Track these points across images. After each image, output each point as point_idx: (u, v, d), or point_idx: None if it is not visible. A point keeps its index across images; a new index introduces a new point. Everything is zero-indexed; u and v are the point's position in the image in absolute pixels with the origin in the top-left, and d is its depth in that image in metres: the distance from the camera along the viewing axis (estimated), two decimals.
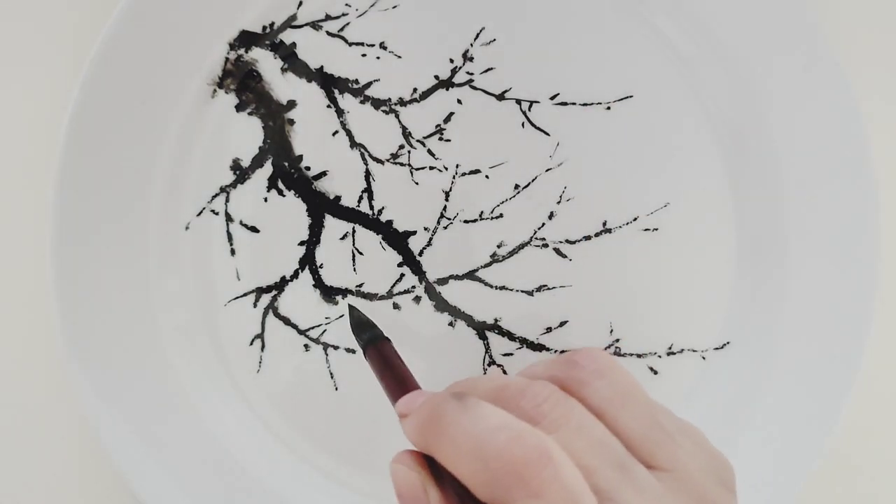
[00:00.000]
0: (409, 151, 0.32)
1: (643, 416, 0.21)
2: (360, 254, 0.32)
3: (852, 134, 0.30)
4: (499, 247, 0.32)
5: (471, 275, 0.32)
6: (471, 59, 0.31)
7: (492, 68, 0.31)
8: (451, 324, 0.32)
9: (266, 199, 0.32)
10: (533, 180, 0.32)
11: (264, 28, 0.31)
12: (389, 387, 0.25)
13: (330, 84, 0.31)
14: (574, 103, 0.31)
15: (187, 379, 0.32)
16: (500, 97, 0.31)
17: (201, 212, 0.32)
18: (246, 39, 0.31)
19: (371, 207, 0.32)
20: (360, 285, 0.32)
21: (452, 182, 0.32)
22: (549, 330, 0.32)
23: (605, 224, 0.32)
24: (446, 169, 0.32)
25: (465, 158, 0.32)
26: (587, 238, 0.32)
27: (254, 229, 0.32)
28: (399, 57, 0.31)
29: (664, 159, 0.32)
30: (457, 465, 0.19)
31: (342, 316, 0.32)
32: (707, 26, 0.31)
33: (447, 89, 0.31)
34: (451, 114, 0.31)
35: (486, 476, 0.18)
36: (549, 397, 0.20)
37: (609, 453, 0.20)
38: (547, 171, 0.32)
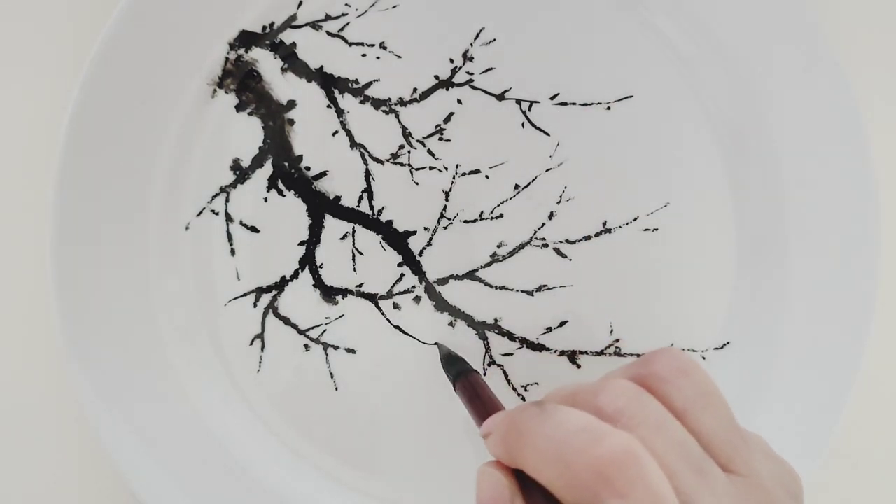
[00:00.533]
0: (409, 151, 0.32)
1: (724, 419, 0.21)
2: (360, 254, 0.32)
3: (852, 134, 0.30)
4: (499, 247, 0.32)
5: (471, 275, 0.32)
6: (471, 59, 0.31)
7: (492, 68, 0.31)
8: (451, 324, 0.32)
9: (266, 199, 0.32)
10: (533, 180, 0.32)
11: (264, 28, 0.31)
12: (478, 413, 0.25)
13: (330, 84, 0.31)
14: (574, 103, 0.31)
15: (187, 379, 0.32)
16: (500, 97, 0.31)
17: (201, 212, 0.32)
18: (246, 39, 0.31)
19: (371, 207, 0.32)
20: (360, 285, 0.32)
21: (452, 182, 0.32)
22: (549, 330, 0.32)
23: (605, 224, 0.32)
24: (446, 169, 0.32)
25: (465, 158, 0.32)
26: (587, 238, 0.32)
27: (254, 229, 0.32)
28: (399, 57, 0.31)
29: (664, 159, 0.32)
30: (541, 470, 0.18)
31: (342, 316, 0.32)
32: (707, 26, 0.31)
33: (447, 89, 0.31)
34: (451, 114, 0.31)
35: (570, 478, 0.17)
36: (625, 393, 0.20)
37: (688, 455, 0.19)
38: (547, 171, 0.32)
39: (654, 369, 0.21)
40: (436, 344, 0.32)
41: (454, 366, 0.29)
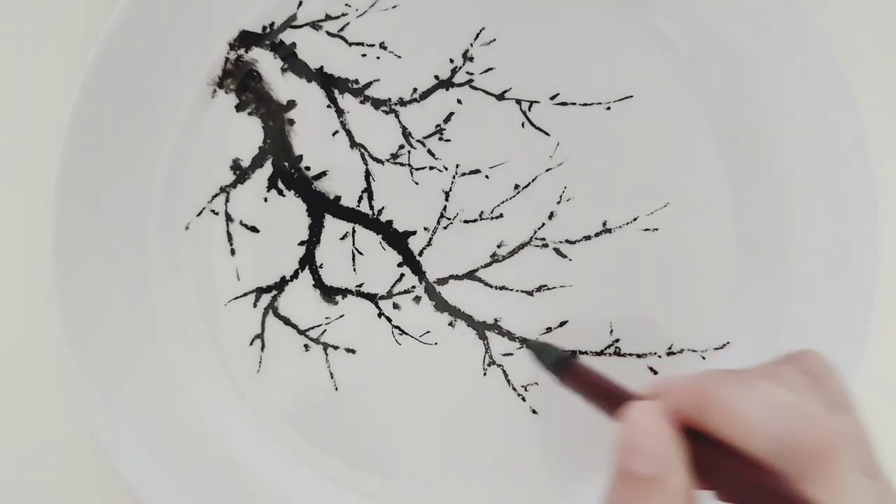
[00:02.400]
0: (409, 151, 0.32)
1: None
2: (360, 254, 0.32)
3: (852, 134, 0.30)
4: (499, 247, 0.32)
5: (471, 275, 0.32)
6: (471, 59, 0.31)
7: (492, 68, 0.31)
8: (451, 324, 0.32)
9: (266, 199, 0.32)
10: (533, 180, 0.32)
11: (264, 28, 0.31)
12: (608, 394, 0.23)
13: (330, 84, 0.31)
14: (574, 103, 0.31)
15: (187, 379, 0.32)
16: (500, 97, 0.31)
17: (201, 212, 0.32)
18: (246, 39, 0.31)
19: (371, 207, 0.32)
20: (360, 285, 0.32)
21: (452, 182, 0.32)
22: (549, 330, 0.32)
23: (605, 224, 0.32)
24: (446, 169, 0.32)
25: (465, 158, 0.32)
26: (587, 238, 0.32)
27: (254, 229, 0.32)
28: (399, 57, 0.31)
29: (664, 159, 0.32)
30: (741, 434, 0.19)
31: (342, 316, 0.32)
32: (707, 26, 0.31)
33: (447, 89, 0.31)
34: (451, 114, 0.31)
35: (779, 449, 0.18)
36: (802, 383, 0.20)
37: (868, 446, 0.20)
38: (547, 171, 0.32)
39: (807, 366, 0.21)
40: (525, 340, 0.32)
41: (550, 356, 0.26)
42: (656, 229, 0.32)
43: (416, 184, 0.32)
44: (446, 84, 0.31)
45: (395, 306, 0.32)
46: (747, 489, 0.18)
